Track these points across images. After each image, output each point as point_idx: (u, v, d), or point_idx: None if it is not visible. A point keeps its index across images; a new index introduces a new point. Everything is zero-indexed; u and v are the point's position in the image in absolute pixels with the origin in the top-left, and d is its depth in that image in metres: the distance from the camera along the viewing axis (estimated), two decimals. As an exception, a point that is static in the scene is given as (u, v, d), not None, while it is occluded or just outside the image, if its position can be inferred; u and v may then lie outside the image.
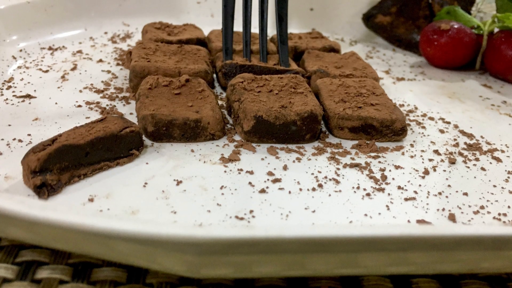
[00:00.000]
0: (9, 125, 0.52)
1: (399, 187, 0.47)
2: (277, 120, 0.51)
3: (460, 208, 0.45)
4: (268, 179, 0.47)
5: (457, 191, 0.48)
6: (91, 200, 0.42)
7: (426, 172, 0.50)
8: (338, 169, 0.49)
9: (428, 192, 0.47)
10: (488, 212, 0.45)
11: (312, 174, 0.48)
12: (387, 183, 0.48)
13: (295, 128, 0.52)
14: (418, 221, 0.43)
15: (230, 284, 0.38)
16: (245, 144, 0.52)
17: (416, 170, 0.51)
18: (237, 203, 0.43)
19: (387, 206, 0.45)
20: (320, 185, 0.47)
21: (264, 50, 0.66)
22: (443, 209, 0.45)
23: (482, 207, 0.46)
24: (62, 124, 0.53)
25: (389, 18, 0.89)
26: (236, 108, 0.54)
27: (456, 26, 0.77)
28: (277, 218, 0.42)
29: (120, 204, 0.42)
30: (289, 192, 0.45)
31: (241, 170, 0.48)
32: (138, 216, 0.41)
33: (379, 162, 0.51)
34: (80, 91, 0.62)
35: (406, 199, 0.46)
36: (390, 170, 0.50)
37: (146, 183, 0.45)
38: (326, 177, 0.48)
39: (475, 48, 0.79)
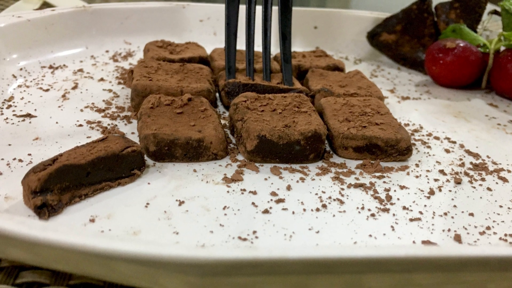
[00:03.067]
0: (9, 144, 0.52)
1: (404, 208, 0.47)
2: (281, 139, 0.51)
3: (465, 228, 0.45)
4: (271, 199, 0.47)
5: (462, 212, 0.47)
6: (92, 220, 0.42)
7: (432, 192, 0.50)
8: (343, 189, 0.49)
9: (434, 212, 0.47)
10: (494, 233, 0.45)
11: (316, 194, 0.48)
12: (392, 204, 0.47)
13: (298, 147, 0.51)
14: (423, 242, 0.43)
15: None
16: (248, 164, 0.51)
17: (421, 190, 0.50)
18: (240, 224, 0.43)
19: (392, 226, 0.44)
20: (324, 206, 0.46)
21: (268, 69, 0.66)
22: (449, 230, 0.44)
23: (488, 228, 0.45)
24: (63, 144, 0.53)
25: (394, 36, 0.89)
26: (239, 128, 0.54)
27: (461, 45, 0.77)
28: (281, 239, 0.42)
29: (121, 224, 0.42)
30: (293, 212, 0.45)
31: (244, 190, 0.48)
32: (140, 237, 0.40)
33: (384, 182, 0.51)
34: (81, 110, 0.61)
35: (411, 220, 0.45)
36: (395, 190, 0.50)
37: (148, 204, 0.44)
38: (330, 197, 0.47)
39: (481, 67, 0.78)
